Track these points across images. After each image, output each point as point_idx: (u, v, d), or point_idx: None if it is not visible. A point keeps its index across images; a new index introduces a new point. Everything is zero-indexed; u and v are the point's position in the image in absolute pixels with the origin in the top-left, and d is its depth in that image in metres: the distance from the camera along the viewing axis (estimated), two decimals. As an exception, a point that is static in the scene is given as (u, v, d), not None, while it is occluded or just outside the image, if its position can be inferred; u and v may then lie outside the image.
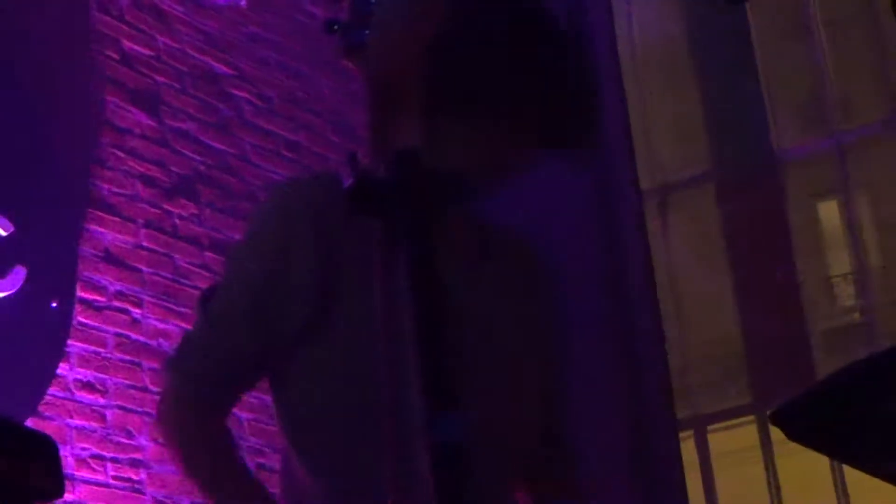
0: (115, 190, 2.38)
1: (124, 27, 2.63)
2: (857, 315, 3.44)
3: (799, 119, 2.91)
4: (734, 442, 2.91)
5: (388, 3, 0.62)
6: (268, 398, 0.96)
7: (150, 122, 2.56)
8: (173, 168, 2.51)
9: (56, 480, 0.71)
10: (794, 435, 0.79)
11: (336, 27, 0.64)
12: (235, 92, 2.62)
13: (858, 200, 3.21)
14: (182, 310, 2.34)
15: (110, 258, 2.29)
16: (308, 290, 0.76)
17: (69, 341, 2.06)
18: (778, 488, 2.90)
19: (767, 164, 2.85)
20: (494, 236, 0.86)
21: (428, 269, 0.53)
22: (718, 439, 2.95)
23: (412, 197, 0.54)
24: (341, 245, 0.78)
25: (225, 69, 2.76)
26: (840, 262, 3.42)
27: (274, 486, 0.97)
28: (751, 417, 2.85)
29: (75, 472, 1.93)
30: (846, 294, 3.49)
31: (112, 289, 2.05)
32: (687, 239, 2.77)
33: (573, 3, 3.09)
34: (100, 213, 2.30)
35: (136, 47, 2.64)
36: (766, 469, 2.87)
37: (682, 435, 2.87)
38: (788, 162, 2.90)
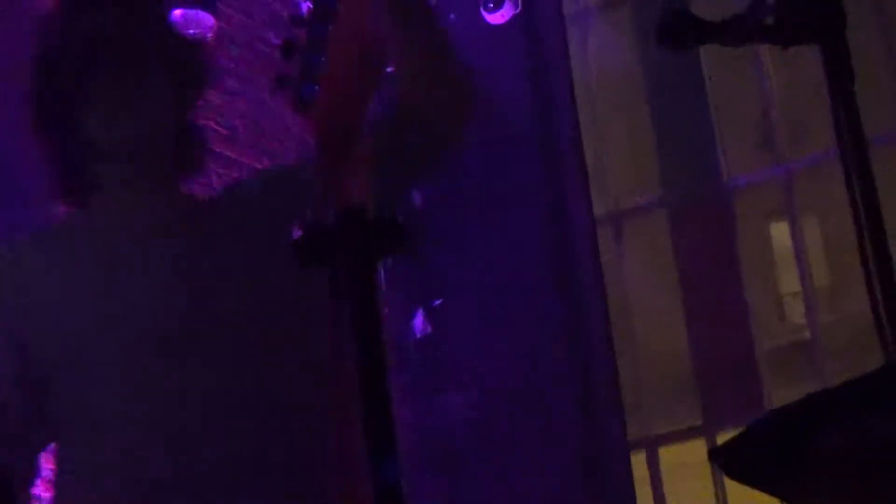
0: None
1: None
2: (805, 333, 3.51)
3: (748, 145, 2.99)
4: (684, 457, 2.98)
5: (338, 31, 0.64)
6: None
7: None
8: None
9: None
10: (733, 474, 0.80)
11: (286, 82, 0.67)
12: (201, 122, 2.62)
13: (807, 223, 3.29)
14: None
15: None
16: None
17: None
18: (725, 502, 2.96)
19: (717, 189, 2.92)
20: None
21: (371, 317, 0.57)
22: (668, 454, 3.01)
23: (357, 248, 0.58)
24: None
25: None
26: (789, 282, 3.49)
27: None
28: (700, 436, 2.92)
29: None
30: (796, 312, 3.57)
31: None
32: (640, 263, 2.82)
33: (530, 33, 3.15)
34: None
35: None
36: (714, 483, 2.93)
37: (633, 451, 2.94)
38: (739, 187, 2.97)
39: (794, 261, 3.27)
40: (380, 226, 0.63)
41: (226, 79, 2.67)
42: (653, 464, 2.85)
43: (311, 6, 0.69)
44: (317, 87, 0.68)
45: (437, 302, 2.83)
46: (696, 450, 2.76)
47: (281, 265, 0.69)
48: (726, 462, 0.86)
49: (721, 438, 3.06)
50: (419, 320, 2.75)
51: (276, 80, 0.71)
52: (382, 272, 2.26)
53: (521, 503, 2.67)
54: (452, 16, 2.63)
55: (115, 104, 1.01)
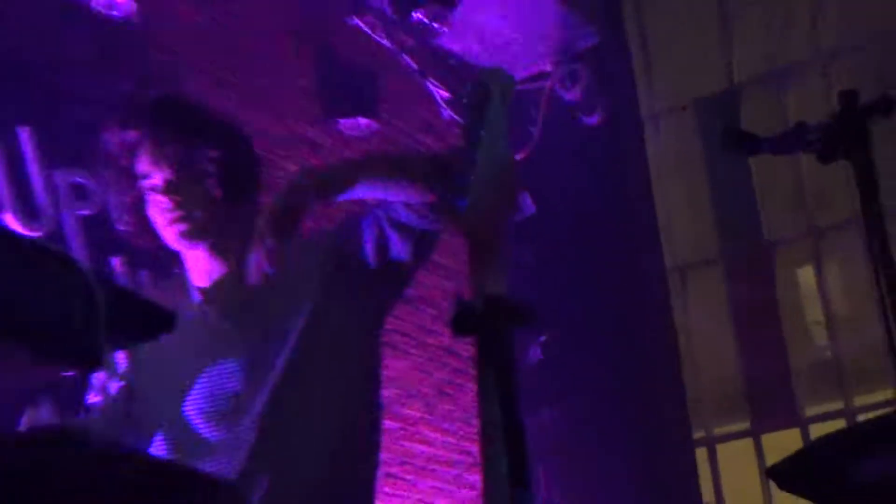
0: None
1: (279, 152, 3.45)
2: (828, 353, 4.27)
3: (783, 209, 3.80)
4: (736, 452, 3.77)
5: (481, 184, 0.77)
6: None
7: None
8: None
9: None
10: (785, 487, 0.96)
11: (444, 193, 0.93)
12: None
13: (829, 267, 4.08)
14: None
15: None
16: None
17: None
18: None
19: (759, 246, 3.74)
20: None
21: (509, 375, 0.70)
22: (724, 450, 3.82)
23: (498, 325, 0.71)
24: None
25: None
26: (815, 313, 4.30)
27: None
28: (749, 437, 3.72)
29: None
30: (820, 336, 4.37)
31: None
32: (701, 307, 3.65)
33: (611, 115, 3.97)
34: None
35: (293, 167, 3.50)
36: (760, 476, 3.72)
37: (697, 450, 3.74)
38: (776, 244, 3.79)
39: (819, 298, 4.05)
40: (513, 308, 0.75)
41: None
42: (712, 459, 3.65)
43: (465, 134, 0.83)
44: (465, 202, 0.79)
45: (543, 338, 3.68)
46: (746, 447, 3.56)
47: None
48: (780, 477, 1.07)
49: (765, 439, 3.83)
50: (535, 350, 3.60)
51: (430, 206, 1.03)
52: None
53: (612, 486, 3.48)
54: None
55: None
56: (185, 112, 1.37)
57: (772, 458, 3.63)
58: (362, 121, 3.27)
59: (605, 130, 3.64)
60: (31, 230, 2.55)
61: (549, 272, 3.70)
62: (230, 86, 3.13)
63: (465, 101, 0.91)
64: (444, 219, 1.08)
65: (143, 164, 1.26)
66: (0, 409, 1.23)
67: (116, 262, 2.68)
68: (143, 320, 0.78)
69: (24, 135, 2.56)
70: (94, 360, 0.67)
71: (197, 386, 1.29)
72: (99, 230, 2.54)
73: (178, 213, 1.26)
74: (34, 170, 2.60)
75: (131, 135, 1.27)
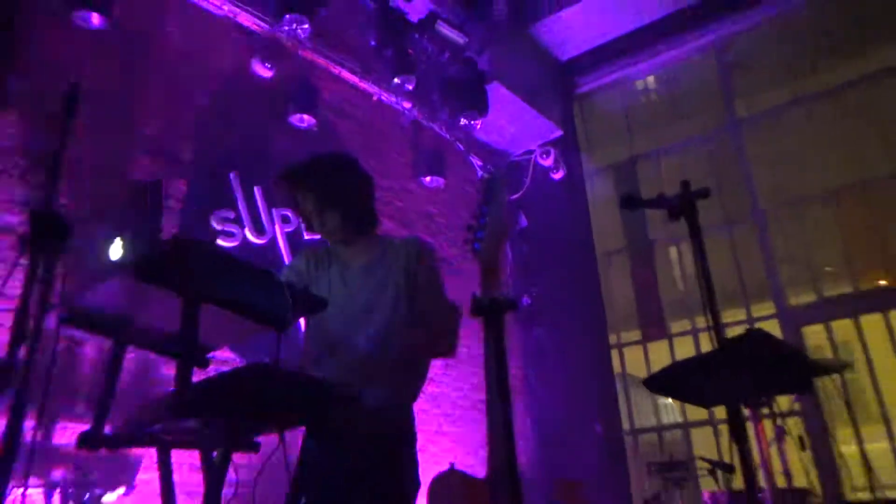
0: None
1: (389, 195, 6.34)
2: (682, 293, 7.20)
3: (658, 222, 6.76)
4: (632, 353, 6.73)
5: (489, 236, 1.57)
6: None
7: (404, 232, 6.24)
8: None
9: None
10: (654, 390, 1.93)
11: (469, 241, 1.65)
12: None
13: (684, 250, 7.04)
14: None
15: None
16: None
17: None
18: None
19: (645, 240, 6.72)
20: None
21: (500, 350, 1.48)
22: None
23: (494, 316, 1.52)
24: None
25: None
26: (676, 271, 7.24)
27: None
28: (640, 345, 6.71)
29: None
30: (679, 284, 7.29)
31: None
32: (616, 273, 6.67)
33: (568, 173, 6.91)
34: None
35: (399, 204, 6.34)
36: (646, 368, 6.74)
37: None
38: (653, 240, 6.77)
39: (678, 264, 7.03)
40: (506, 302, 1.47)
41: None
42: (621, 356, 6.64)
43: (479, 208, 1.59)
44: (482, 242, 1.57)
45: (527, 300, 6.62)
46: (638, 349, 6.56)
47: None
48: (652, 385, 1.80)
49: (649, 345, 6.76)
50: (525, 298, 6.54)
51: (465, 240, 1.68)
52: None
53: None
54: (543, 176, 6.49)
55: None
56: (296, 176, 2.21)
57: (652, 356, 6.55)
58: (436, 179, 6.14)
59: (565, 182, 6.65)
60: (259, 240, 4.49)
61: (535, 259, 6.68)
62: (373, 159, 5.91)
63: (479, 186, 1.75)
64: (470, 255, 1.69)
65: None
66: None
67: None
68: (309, 304, 1.73)
69: (258, 190, 4.51)
70: (287, 325, 1.59)
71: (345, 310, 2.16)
72: (296, 238, 4.62)
73: (318, 230, 2.25)
74: (263, 207, 4.47)
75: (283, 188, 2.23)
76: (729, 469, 2.77)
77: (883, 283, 5.34)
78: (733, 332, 5.85)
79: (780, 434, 3.11)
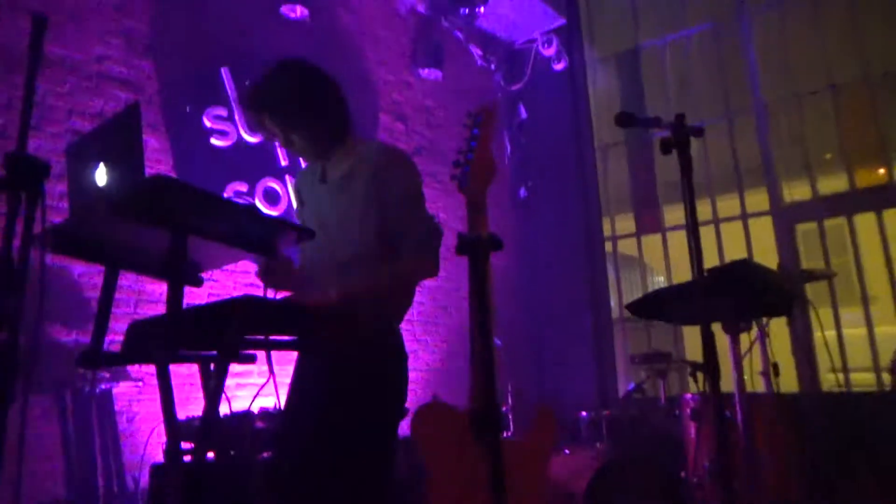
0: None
1: (387, 88, 6.15)
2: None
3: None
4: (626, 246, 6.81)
5: (475, 163, 1.66)
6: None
7: (400, 126, 6.15)
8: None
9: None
10: (632, 311, 2.61)
11: (455, 177, 1.76)
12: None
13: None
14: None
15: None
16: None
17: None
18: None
19: (645, 135, 6.62)
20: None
21: (482, 289, 1.50)
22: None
23: (479, 255, 1.53)
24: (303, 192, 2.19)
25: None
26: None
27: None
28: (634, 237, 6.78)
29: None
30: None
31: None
32: (613, 165, 6.61)
33: (569, 64, 6.65)
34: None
35: (397, 97, 6.19)
36: (640, 267, 6.81)
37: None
38: (652, 133, 6.66)
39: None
40: (490, 241, 1.51)
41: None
42: (614, 250, 6.72)
43: (467, 144, 1.68)
44: (468, 180, 1.66)
45: (524, 192, 6.60)
46: (633, 242, 6.64)
47: None
48: (632, 309, 2.34)
49: (643, 238, 6.85)
50: (522, 190, 6.53)
51: (452, 176, 1.78)
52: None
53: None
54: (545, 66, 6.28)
55: None
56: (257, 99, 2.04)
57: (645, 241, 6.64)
58: (434, 71, 5.95)
59: (566, 73, 6.44)
60: (254, 137, 4.27)
61: (533, 151, 6.61)
62: (370, 50, 5.72)
63: (466, 122, 1.65)
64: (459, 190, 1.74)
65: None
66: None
67: None
68: (297, 233, 1.78)
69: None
70: (275, 253, 1.76)
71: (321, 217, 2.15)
72: None
73: (289, 151, 2.15)
74: None
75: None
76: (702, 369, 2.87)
77: (881, 175, 5.29)
78: (728, 227, 5.86)
79: (762, 337, 3.19)
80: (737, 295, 1.98)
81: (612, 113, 6.02)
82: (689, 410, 2.92)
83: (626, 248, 6.40)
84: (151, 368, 3.52)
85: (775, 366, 2.60)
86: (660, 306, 2.18)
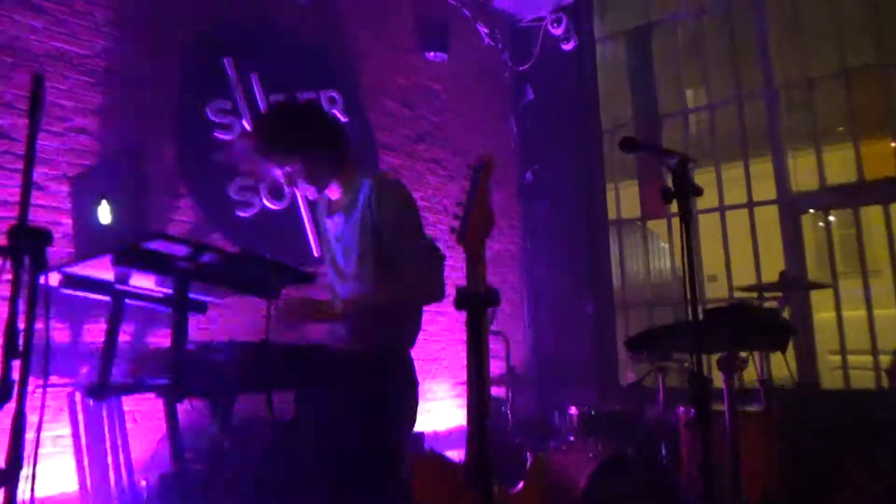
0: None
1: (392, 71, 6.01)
2: None
3: (667, 93, 6.53)
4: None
5: (472, 224, 1.62)
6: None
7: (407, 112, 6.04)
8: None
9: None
10: (632, 349, 2.90)
11: (454, 230, 1.70)
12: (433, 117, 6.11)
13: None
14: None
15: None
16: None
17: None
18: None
19: (655, 116, 6.55)
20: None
21: (479, 342, 1.56)
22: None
23: (476, 310, 1.58)
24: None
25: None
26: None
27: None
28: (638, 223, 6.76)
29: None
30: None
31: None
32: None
33: (578, 43, 6.52)
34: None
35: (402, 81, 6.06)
36: (645, 245, 6.82)
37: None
38: (662, 116, 6.59)
39: (682, 130, 6.90)
40: (488, 296, 1.55)
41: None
42: (619, 234, 6.72)
43: (467, 196, 1.64)
44: (466, 232, 1.60)
45: (529, 176, 6.55)
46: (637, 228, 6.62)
47: None
48: (630, 345, 2.33)
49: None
50: (528, 174, 6.49)
51: (451, 228, 1.72)
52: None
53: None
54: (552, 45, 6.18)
55: None
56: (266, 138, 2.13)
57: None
58: (440, 55, 5.84)
59: (575, 52, 6.33)
60: (277, 205, 4.24)
61: (539, 133, 6.54)
62: (375, 33, 5.48)
63: (466, 173, 1.66)
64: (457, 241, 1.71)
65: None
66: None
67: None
68: (296, 277, 1.95)
69: (254, 76, 4.22)
70: (275, 297, 1.92)
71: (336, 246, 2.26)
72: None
73: (293, 186, 2.20)
74: (259, 95, 4.24)
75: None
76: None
77: (891, 148, 5.22)
78: (734, 217, 5.81)
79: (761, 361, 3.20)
80: (733, 337, 2.01)
81: (621, 92, 5.95)
82: (682, 422, 2.98)
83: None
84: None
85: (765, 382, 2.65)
86: (663, 341, 2.22)
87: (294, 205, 4.41)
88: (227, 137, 4.12)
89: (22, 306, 1.38)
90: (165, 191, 3.82)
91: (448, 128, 5.76)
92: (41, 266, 1.32)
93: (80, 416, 3.23)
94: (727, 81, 5.98)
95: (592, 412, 4.24)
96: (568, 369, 5.66)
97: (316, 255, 4.40)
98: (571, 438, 4.15)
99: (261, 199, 4.24)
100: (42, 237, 1.36)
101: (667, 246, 6.50)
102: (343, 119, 4.77)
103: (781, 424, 2.76)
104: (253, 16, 4.40)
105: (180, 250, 1.64)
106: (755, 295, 3.72)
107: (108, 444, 3.25)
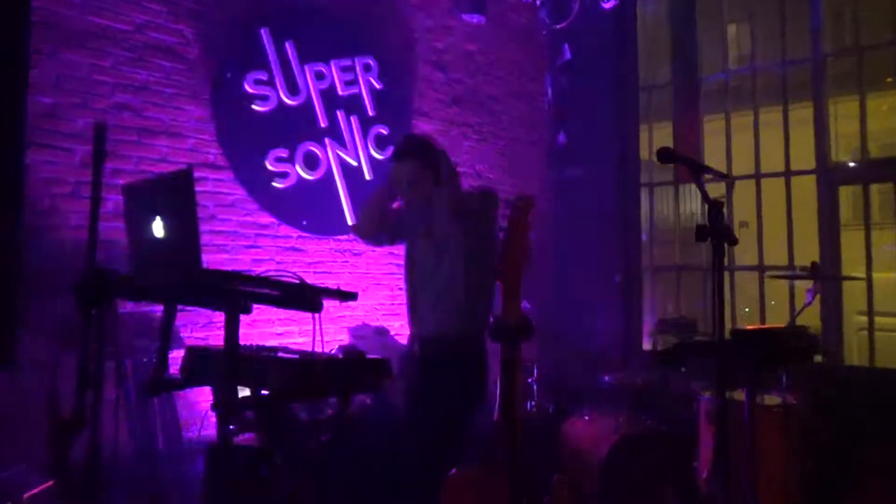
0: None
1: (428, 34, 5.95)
2: None
3: (709, 62, 6.36)
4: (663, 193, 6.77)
5: (511, 251, 1.86)
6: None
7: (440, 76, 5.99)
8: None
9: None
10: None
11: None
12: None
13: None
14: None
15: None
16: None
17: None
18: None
19: (693, 77, 6.40)
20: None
21: (513, 371, 1.78)
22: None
23: (511, 340, 1.85)
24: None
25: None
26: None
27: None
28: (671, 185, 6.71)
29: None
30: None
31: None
32: (657, 110, 6.44)
33: (619, 1, 6.36)
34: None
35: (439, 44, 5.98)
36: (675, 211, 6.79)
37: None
38: (702, 78, 6.44)
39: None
40: (522, 325, 1.83)
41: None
42: (650, 197, 6.70)
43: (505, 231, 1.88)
44: (503, 265, 1.81)
45: (563, 139, 6.48)
46: (670, 188, 6.60)
47: None
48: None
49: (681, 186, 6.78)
50: (561, 136, 6.44)
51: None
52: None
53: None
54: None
55: None
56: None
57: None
58: (476, 16, 5.72)
59: (615, 10, 6.16)
60: (293, 100, 4.25)
61: (575, 94, 6.46)
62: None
63: (507, 208, 1.86)
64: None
65: None
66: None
67: (340, 114, 4.54)
68: (341, 296, 2.58)
69: (290, 45, 4.25)
70: (318, 311, 2.02)
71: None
72: (330, 95, 4.48)
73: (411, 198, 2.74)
74: (295, 64, 4.28)
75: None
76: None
77: None
78: (770, 191, 5.73)
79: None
80: (759, 361, 2.09)
81: (662, 51, 5.83)
82: (704, 412, 3.09)
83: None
84: (206, 332, 3.80)
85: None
86: (691, 356, 2.33)
87: (329, 174, 4.49)
88: (263, 109, 4.18)
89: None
90: (207, 164, 3.93)
91: (482, 89, 5.72)
92: (107, 313, 1.44)
93: (130, 384, 3.46)
94: (772, 19, 5.80)
95: (617, 383, 4.37)
96: (594, 336, 5.77)
97: (351, 222, 4.51)
98: (595, 408, 4.30)
99: (296, 170, 4.32)
100: (107, 291, 1.48)
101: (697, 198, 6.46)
102: (378, 86, 4.77)
103: (803, 414, 2.84)
104: (288, -18, 4.37)
105: (237, 284, 1.75)
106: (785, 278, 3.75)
107: (156, 409, 3.48)
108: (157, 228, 2.05)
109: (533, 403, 4.65)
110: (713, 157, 6.08)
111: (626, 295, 6.05)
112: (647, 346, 5.88)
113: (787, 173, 5.66)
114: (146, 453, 3.54)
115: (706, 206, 1.88)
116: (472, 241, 2.54)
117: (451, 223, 2.54)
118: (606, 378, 4.48)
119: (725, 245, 1.83)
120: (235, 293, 1.88)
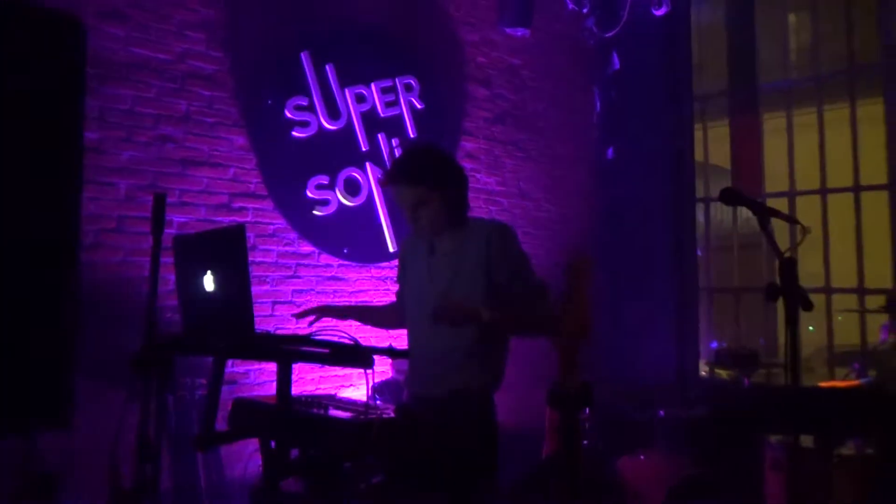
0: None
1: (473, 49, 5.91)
2: None
3: (768, 67, 6.25)
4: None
5: (570, 317, 1.82)
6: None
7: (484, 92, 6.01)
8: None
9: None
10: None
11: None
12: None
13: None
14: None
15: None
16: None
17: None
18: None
19: (754, 86, 6.31)
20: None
21: (573, 440, 1.82)
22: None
23: (569, 409, 1.84)
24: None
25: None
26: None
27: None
28: None
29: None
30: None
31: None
32: (713, 120, 6.36)
33: (671, 9, 6.30)
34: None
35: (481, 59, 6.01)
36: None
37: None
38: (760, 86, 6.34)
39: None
40: (582, 394, 1.80)
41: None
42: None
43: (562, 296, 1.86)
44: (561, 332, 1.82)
45: (611, 153, 6.44)
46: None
47: None
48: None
49: None
50: (610, 150, 6.41)
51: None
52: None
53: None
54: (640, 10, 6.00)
55: None
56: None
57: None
58: (520, 29, 5.73)
59: (667, 17, 6.13)
60: (333, 125, 4.33)
61: (624, 106, 6.42)
62: (454, 9, 5.42)
63: (563, 272, 1.88)
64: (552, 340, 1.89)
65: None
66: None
67: (381, 137, 4.61)
68: (390, 353, 2.21)
69: (330, 68, 4.34)
70: (370, 367, 2.01)
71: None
72: (371, 117, 4.59)
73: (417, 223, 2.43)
74: (336, 88, 4.38)
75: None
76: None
77: None
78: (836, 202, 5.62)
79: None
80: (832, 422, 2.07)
81: (718, 60, 5.78)
82: (770, 458, 3.04)
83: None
84: (246, 367, 3.89)
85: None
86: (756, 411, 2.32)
87: (370, 200, 4.55)
88: (303, 135, 4.27)
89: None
90: (248, 193, 4.03)
91: (528, 105, 5.74)
92: (167, 384, 1.51)
93: (172, 420, 3.57)
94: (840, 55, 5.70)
95: (674, 417, 4.34)
96: (649, 366, 5.73)
97: (392, 250, 4.56)
98: (649, 445, 4.27)
99: (336, 197, 4.40)
100: (167, 363, 1.55)
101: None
102: (419, 106, 4.83)
103: (881, 464, 2.78)
104: (325, 7, 4.45)
105: (284, 342, 1.81)
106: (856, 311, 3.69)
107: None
108: (208, 283, 2.13)
109: (584, 442, 4.63)
110: (774, 161, 6.00)
111: (681, 320, 5.99)
112: (703, 372, 5.81)
113: (857, 188, 5.54)
114: (187, 491, 3.65)
115: (777, 262, 1.87)
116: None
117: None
118: (661, 412, 4.45)
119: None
120: (289, 354, 1.94)
